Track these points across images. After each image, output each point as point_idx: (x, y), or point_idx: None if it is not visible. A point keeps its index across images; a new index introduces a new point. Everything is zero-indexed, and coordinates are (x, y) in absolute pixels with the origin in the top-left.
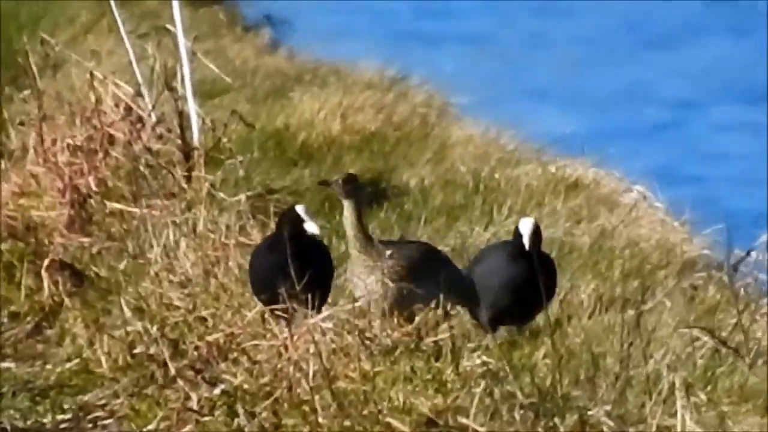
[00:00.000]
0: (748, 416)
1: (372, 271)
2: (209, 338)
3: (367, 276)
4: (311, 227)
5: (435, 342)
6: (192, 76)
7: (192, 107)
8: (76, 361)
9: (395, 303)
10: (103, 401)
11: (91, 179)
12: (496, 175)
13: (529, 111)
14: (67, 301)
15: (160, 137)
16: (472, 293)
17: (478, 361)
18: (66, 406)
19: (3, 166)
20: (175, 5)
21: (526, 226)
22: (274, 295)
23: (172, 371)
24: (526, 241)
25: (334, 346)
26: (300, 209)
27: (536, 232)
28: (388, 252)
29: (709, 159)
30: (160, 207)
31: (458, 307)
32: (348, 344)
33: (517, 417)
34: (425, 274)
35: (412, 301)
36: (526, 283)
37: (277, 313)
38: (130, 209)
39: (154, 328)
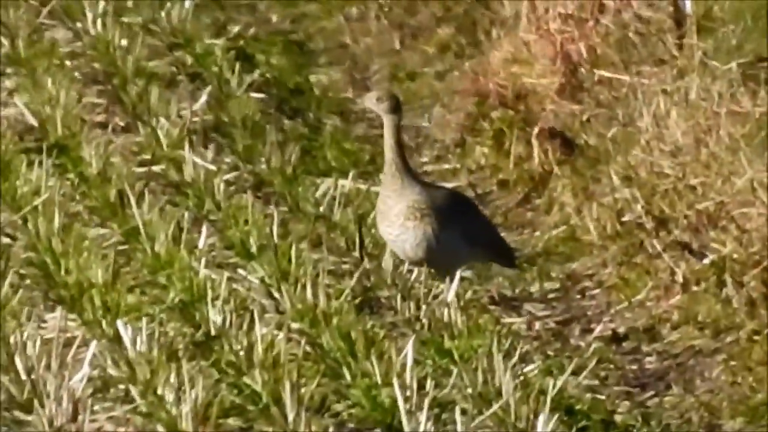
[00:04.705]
0: None
1: (398, 199)
2: (699, 206)
3: (395, 202)
4: None
5: None
6: None
7: None
8: (564, 228)
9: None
10: (590, 270)
11: (581, 46)
12: None
13: None
14: (556, 168)
15: (650, 4)
16: (502, 248)
17: None
18: (553, 275)
19: (495, 34)
20: None
21: None
22: None
23: (660, 244)
24: None
25: None
26: None
27: None
28: (417, 188)
29: None
30: (650, 74)
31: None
32: None
33: None
34: (449, 221)
35: (434, 252)
36: None
37: None
38: (619, 77)
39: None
